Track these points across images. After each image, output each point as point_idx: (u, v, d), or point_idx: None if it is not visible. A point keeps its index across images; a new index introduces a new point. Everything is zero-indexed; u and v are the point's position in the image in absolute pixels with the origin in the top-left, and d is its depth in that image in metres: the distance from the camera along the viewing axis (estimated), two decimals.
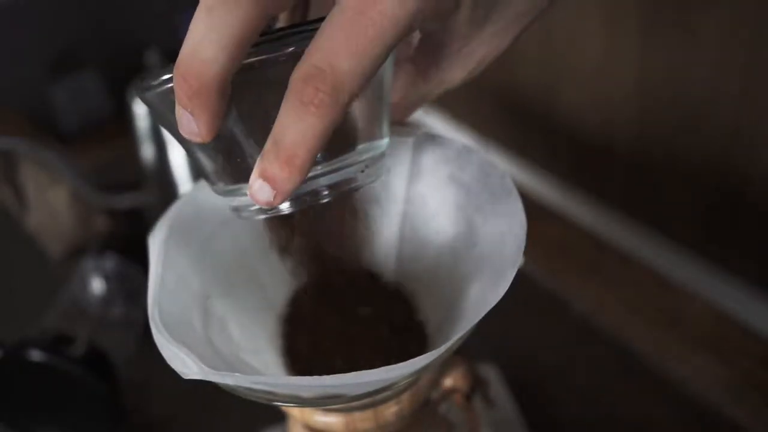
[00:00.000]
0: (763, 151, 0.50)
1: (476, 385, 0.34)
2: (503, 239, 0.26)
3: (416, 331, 0.30)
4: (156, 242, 0.28)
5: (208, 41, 0.19)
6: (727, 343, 0.48)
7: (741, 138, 0.50)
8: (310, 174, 0.21)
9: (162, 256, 0.27)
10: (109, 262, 0.52)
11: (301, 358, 0.30)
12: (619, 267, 0.56)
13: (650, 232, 0.61)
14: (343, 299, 0.32)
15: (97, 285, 0.52)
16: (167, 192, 0.59)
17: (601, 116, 0.62)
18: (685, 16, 0.50)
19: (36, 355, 0.41)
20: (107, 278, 0.52)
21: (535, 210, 0.65)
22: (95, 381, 0.42)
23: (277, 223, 0.28)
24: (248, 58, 0.20)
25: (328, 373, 0.24)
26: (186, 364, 0.22)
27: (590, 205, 0.66)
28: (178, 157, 0.58)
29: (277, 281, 0.32)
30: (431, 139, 0.31)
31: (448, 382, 0.33)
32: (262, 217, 0.24)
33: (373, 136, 0.24)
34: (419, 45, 0.27)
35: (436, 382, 0.32)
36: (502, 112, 0.74)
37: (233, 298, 0.30)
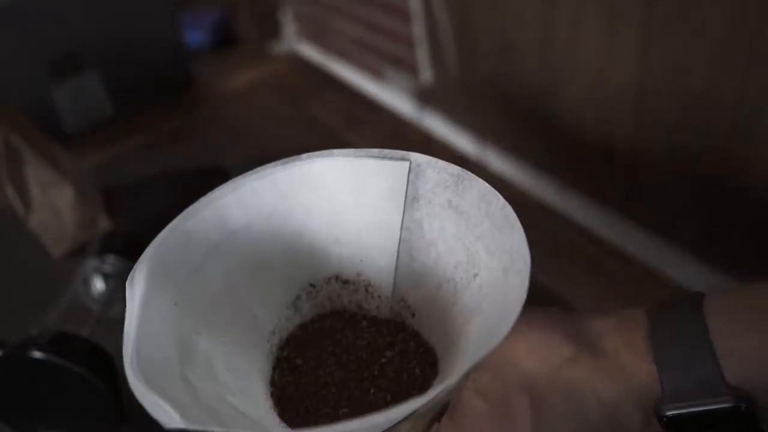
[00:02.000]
0: (763, 152, 0.50)
1: None
2: (506, 275, 0.25)
3: (422, 369, 0.29)
4: (136, 280, 0.26)
5: None
6: None
7: (740, 138, 0.51)
8: None
9: (143, 294, 0.26)
10: (110, 262, 0.52)
11: (290, 401, 0.29)
12: (619, 266, 0.56)
13: (650, 231, 0.61)
14: (338, 340, 0.31)
15: (98, 285, 0.52)
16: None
17: (600, 116, 0.62)
18: (685, 18, 0.50)
19: (37, 354, 0.41)
20: (108, 278, 0.52)
21: (535, 210, 0.65)
22: (96, 380, 0.42)
23: None
24: None
25: (318, 417, 0.23)
26: (168, 414, 0.21)
27: (590, 205, 0.66)
28: None
29: (269, 310, 0.31)
30: (428, 163, 0.29)
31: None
32: None
33: None
34: None
35: (438, 414, 0.31)
36: (502, 112, 0.74)
37: (221, 332, 0.28)
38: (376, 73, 0.94)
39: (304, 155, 0.31)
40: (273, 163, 0.31)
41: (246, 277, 0.30)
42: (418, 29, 0.80)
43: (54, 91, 0.80)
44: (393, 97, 0.90)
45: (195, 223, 0.29)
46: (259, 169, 0.31)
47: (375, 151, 0.30)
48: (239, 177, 0.31)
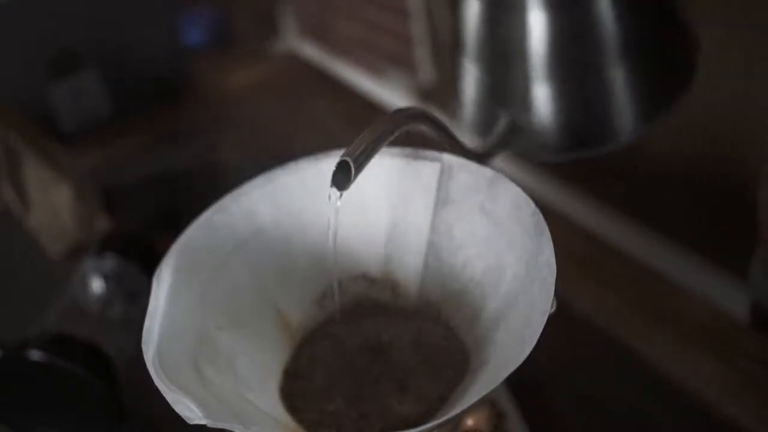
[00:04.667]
0: (763, 151, 0.49)
1: (498, 425, 0.33)
2: (532, 284, 0.25)
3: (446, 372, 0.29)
4: (163, 274, 0.26)
5: None
6: (727, 342, 0.48)
7: (741, 137, 0.50)
8: None
9: (170, 288, 0.26)
10: (109, 262, 0.52)
11: (311, 400, 0.28)
12: (619, 266, 0.56)
13: (650, 231, 0.61)
14: (364, 340, 0.31)
15: (97, 285, 0.52)
16: None
17: None
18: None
19: (36, 355, 0.41)
20: (107, 278, 0.52)
21: None
22: (95, 381, 0.42)
23: None
24: None
25: (338, 419, 0.23)
26: (191, 409, 0.22)
27: (590, 204, 0.66)
28: None
29: (294, 307, 0.31)
30: (461, 165, 0.29)
31: (470, 422, 0.31)
32: None
33: None
34: None
35: (457, 422, 0.31)
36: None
37: (244, 328, 0.29)
38: (376, 72, 0.94)
39: (334, 151, 0.31)
40: (303, 159, 0.31)
41: (272, 273, 0.30)
42: (419, 28, 0.80)
43: (52, 91, 0.80)
44: (393, 96, 0.90)
45: (223, 218, 0.29)
46: (289, 164, 0.31)
47: (408, 150, 0.30)
48: (269, 172, 0.31)
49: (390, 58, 0.89)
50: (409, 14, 0.80)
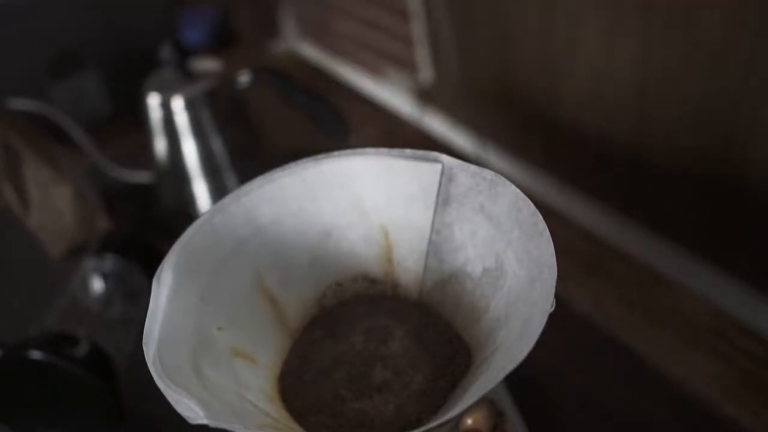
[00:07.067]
0: (762, 152, 0.50)
1: (497, 424, 0.33)
2: (533, 285, 0.25)
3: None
4: (163, 276, 0.26)
5: None
6: (727, 342, 0.48)
7: (740, 138, 0.50)
8: None
9: (170, 289, 0.26)
10: (109, 262, 0.52)
11: (312, 401, 0.28)
12: (619, 266, 0.56)
13: (649, 231, 0.61)
14: (365, 342, 0.30)
15: (97, 285, 0.52)
16: (178, 182, 0.62)
17: (600, 116, 0.62)
18: (685, 17, 0.50)
19: (36, 354, 0.41)
20: (107, 278, 0.52)
21: None
22: (95, 381, 0.42)
23: None
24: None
25: (338, 420, 0.23)
26: (192, 409, 0.22)
27: (590, 204, 0.66)
28: (190, 150, 0.61)
29: (295, 307, 0.31)
30: (460, 167, 0.29)
31: (469, 421, 0.32)
32: None
33: None
34: None
35: (456, 421, 0.31)
36: (502, 111, 0.74)
37: (244, 328, 0.29)
38: (375, 73, 0.94)
39: (335, 152, 0.31)
40: (304, 159, 0.31)
41: (272, 273, 0.31)
42: (418, 28, 0.80)
43: (53, 91, 0.80)
44: (393, 96, 0.90)
45: (223, 218, 0.30)
46: (290, 164, 0.31)
47: (408, 151, 0.30)
48: (269, 172, 0.31)
49: (390, 59, 0.89)
50: (409, 15, 0.80)
